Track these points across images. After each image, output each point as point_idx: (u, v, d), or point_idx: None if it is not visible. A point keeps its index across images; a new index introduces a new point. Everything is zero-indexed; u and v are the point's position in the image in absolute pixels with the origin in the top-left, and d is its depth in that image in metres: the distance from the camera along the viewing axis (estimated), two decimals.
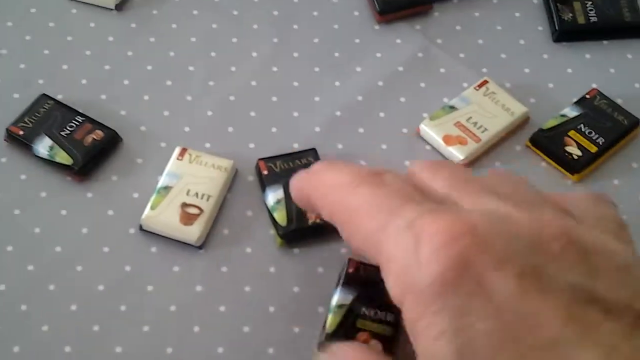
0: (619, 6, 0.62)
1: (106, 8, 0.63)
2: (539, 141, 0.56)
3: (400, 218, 0.37)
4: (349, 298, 0.48)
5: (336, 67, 0.61)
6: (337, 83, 0.60)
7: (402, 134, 0.57)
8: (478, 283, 0.35)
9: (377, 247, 0.38)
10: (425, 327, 0.35)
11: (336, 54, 0.61)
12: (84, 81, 0.60)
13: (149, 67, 0.60)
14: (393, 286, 0.37)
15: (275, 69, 0.61)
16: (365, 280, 0.49)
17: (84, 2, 0.63)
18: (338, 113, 0.58)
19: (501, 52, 0.62)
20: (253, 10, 0.64)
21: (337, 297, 0.48)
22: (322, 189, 0.43)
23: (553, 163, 0.56)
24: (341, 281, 0.49)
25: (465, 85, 0.59)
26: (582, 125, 0.56)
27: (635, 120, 0.57)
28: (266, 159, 0.55)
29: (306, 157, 0.55)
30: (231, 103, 0.59)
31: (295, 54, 0.61)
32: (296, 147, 0.57)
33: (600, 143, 0.55)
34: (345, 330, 0.47)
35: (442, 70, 0.61)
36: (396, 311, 0.42)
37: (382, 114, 0.58)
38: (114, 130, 0.56)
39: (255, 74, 0.60)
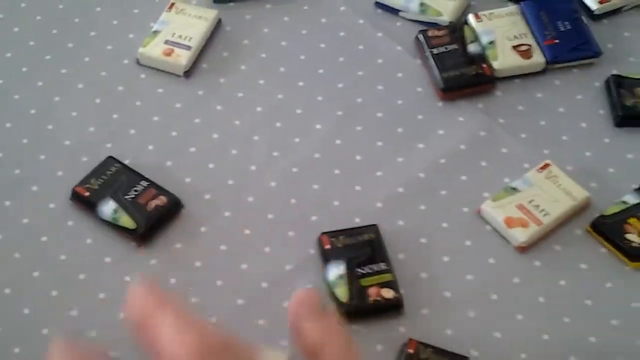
0: None
1: (175, 75, 0.64)
2: (600, 227, 0.56)
3: None
4: None
5: (399, 142, 0.62)
6: (399, 159, 0.60)
7: (463, 213, 0.58)
8: None
9: None
10: None
11: (399, 130, 0.62)
12: (150, 147, 0.61)
13: (215, 135, 0.62)
14: None
15: (338, 142, 0.61)
16: None
17: (153, 68, 0.65)
18: (400, 189, 0.59)
19: (563, 134, 0.62)
20: (318, 82, 0.65)
21: None
22: None
23: (613, 249, 0.56)
24: None
25: (526, 166, 0.60)
26: None
27: None
28: (329, 234, 0.56)
29: (368, 233, 0.56)
30: (294, 175, 0.60)
31: (359, 128, 0.62)
32: (358, 221, 0.57)
33: None
34: None
35: (503, 150, 0.61)
36: None
37: (443, 192, 0.59)
38: (177, 197, 0.57)
39: (318, 146, 0.61)
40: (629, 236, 0.56)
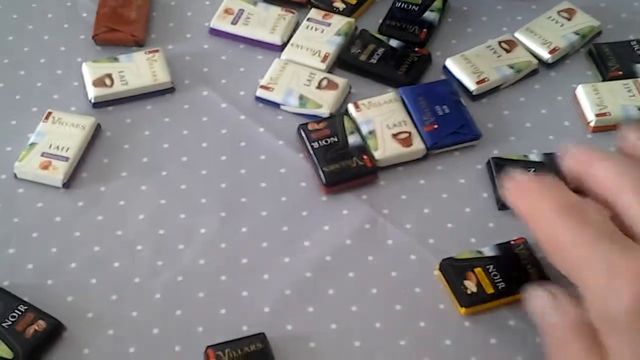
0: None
1: (53, 186, 0.63)
2: (446, 268, 0.58)
3: (598, 252, 0.44)
4: None
5: (284, 241, 0.61)
6: (286, 259, 0.60)
7: (351, 313, 0.57)
8: None
9: (576, 273, 0.46)
10: (618, 354, 0.42)
11: (284, 228, 0.62)
12: (29, 266, 0.59)
13: (96, 248, 0.60)
14: (589, 311, 0.45)
15: (223, 245, 0.61)
16: None
17: (31, 181, 0.63)
18: (287, 292, 0.58)
19: (447, 221, 0.62)
20: (201, 183, 0.64)
21: None
22: (534, 208, 0.50)
23: (450, 291, 0.57)
24: None
25: (412, 257, 0.60)
26: (492, 266, 0.58)
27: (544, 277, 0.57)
28: (214, 347, 0.55)
29: (255, 343, 0.55)
30: (179, 284, 0.59)
31: (244, 229, 0.62)
32: (245, 329, 0.56)
33: (500, 288, 0.56)
34: None
35: (389, 242, 0.61)
36: None
37: (331, 291, 0.58)
38: (57, 320, 0.56)
39: (203, 251, 0.60)
40: (467, 283, 0.57)
